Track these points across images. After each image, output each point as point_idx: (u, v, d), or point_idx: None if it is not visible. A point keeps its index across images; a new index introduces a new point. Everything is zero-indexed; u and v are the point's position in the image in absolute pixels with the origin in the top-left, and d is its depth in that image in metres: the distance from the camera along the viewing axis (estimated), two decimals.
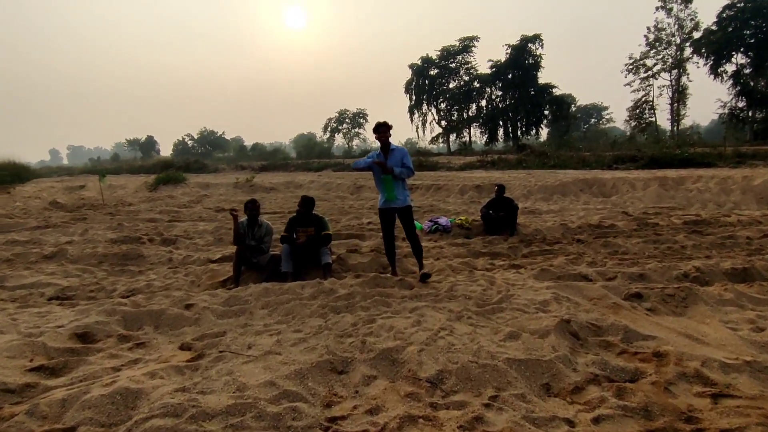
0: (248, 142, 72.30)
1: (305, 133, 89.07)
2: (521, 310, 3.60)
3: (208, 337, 3.33)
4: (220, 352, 3.04)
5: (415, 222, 8.38)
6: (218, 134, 75.86)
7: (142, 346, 3.26)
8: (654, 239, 6.47)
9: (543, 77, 46.35)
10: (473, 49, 50.13)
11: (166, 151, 77.11)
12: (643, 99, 44.67)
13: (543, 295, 3.92)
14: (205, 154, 68.17)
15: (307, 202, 5.18)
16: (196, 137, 75.01)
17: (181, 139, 75.76)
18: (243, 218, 5.26)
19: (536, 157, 25.07)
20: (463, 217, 7.99)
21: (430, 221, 7.91)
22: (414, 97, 52.94)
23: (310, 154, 50.99)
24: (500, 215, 7.47)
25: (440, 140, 54.23)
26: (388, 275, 4.62)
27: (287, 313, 3.68)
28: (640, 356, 2.85)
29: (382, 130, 4.58)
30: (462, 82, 51.18)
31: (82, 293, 4.73)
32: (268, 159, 43.07)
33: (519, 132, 47.97)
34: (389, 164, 4.48)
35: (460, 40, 49.98)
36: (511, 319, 3.42)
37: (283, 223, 6.64)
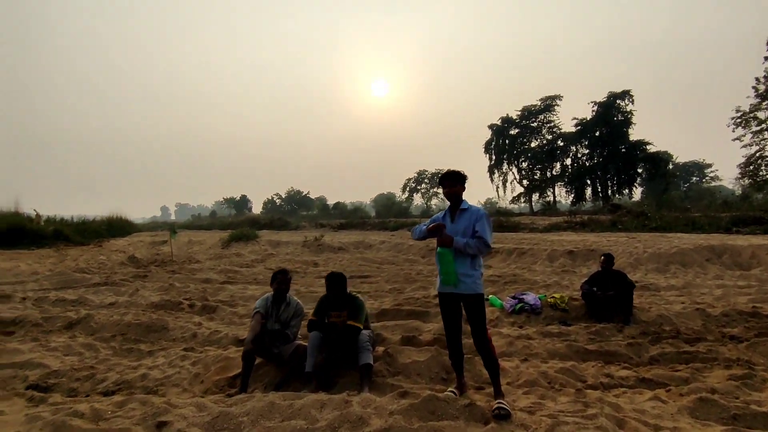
0: (331, 201, 74.98)
1: (385, 192, 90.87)
2: None
3: None
4: None
5: (494, 298, 6.77)
6: (304, 194, 79.80)
7: None
8: None
9: (635, 134, 42.99)
10: (556, 107, 48.45)
11: (257, 208, 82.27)
12: (758, 154, 39.23)
13: None
14: (291, 212, 71.67)
15: (334, 282, 3.80)
16: (284, 196, 79.63)
17: (270, 198, 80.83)
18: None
19: (634, 218, 22.17)
20: (557, 295, 6.24)
21: (514, 298, 6.27)
22: (494, 157, 51.99)
23: (389, 213, 51.03)
24: (608, 295, 5.67)
25: (522, 200, 51.62)
26: (451, 393, 3.12)
27: None
28: None
29: (448, 183, 3.15)
30: (545, 141, 49.24)
31: (66, 382, 3.81)
32: (348, 217, 43.68)
33: (609, 191, 44.15)
34: (452, 230, 3.08)
35: (541, 99, 48.75)
36: None
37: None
